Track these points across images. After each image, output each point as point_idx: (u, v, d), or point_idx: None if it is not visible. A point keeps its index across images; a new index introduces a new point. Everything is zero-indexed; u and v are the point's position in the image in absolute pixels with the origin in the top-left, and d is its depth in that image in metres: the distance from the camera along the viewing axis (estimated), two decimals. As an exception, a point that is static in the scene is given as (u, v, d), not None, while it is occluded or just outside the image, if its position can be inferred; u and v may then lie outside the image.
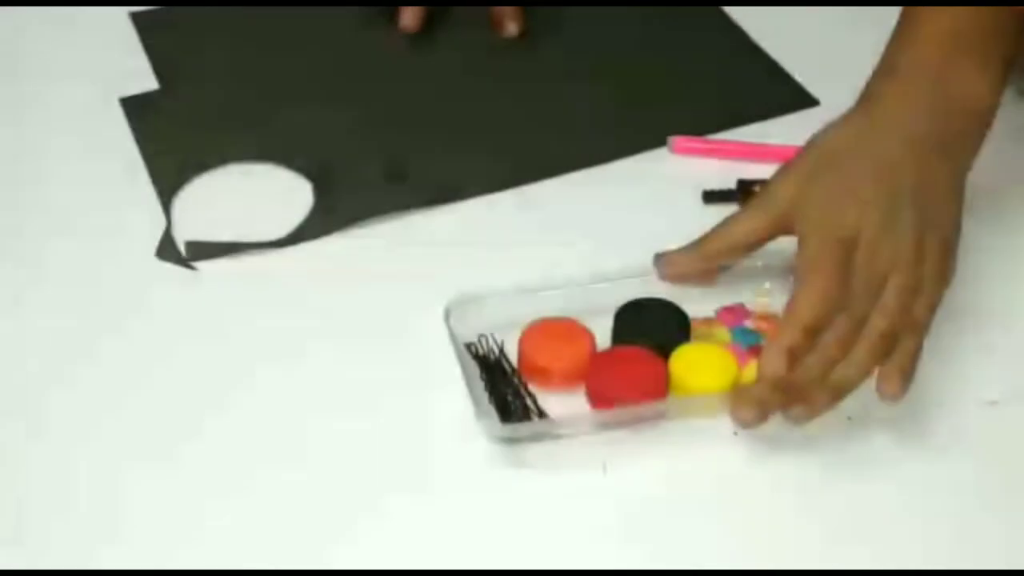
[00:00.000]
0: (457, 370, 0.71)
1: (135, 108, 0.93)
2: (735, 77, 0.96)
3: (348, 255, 0.82)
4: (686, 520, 0.67)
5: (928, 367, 0.74)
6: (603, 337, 0.74)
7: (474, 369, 0.74)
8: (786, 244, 0.77)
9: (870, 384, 0.71)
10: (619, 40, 1.00)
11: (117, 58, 0.98)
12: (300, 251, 0.82)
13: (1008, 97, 0.94)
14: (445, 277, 0.77)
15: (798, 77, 0.95)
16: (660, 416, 0.71)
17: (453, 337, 0.74)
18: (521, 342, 0.73)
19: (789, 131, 0.88)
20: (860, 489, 0.69)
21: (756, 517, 0.67)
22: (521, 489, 0.69)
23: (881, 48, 0.78)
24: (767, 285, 0.78)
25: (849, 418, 0.71)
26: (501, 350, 0.75)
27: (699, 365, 0.72)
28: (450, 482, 0.69)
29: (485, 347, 0.75)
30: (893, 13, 0.79)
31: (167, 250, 0.81)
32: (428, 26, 0.99)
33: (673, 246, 0.77)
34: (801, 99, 0.93)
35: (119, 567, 0.64)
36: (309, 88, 0.95)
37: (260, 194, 0.86)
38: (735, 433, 0.71)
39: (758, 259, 0.78)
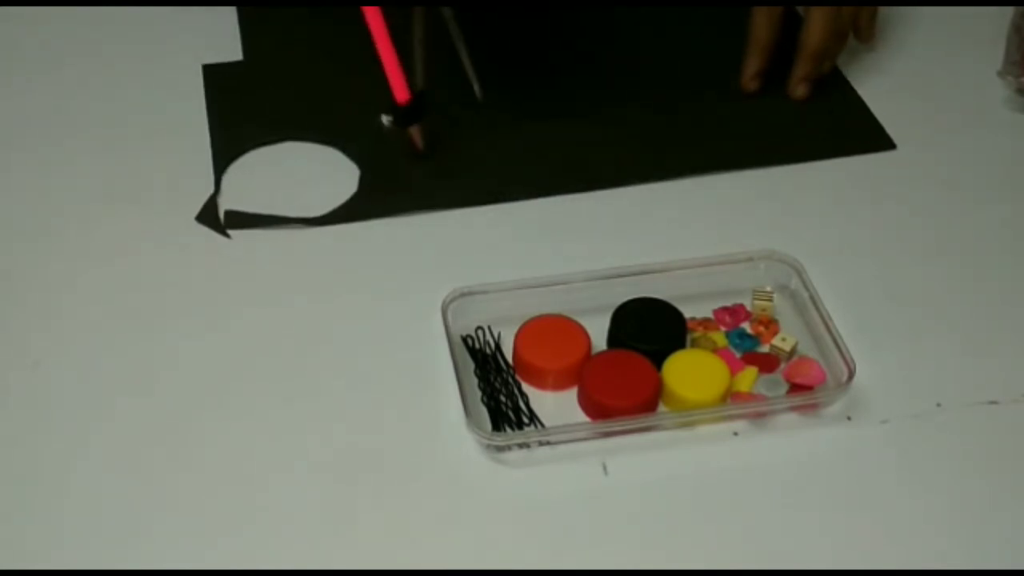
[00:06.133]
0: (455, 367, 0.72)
1: (214, 76, 0.97)
2: (818, 109, 0.95)
3: (357, 245, 0.83)
4: (686, 520, 0.67)
5: (927, 367, 0.75)
6: (599, 335, 0.74)
7: (468, 364, 0.74)
8: (784, 246, 0.78)
9: (868, 389, 0.72)
10: (697, 59, 0.99)
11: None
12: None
13: (1008, 96, 0.95)
14: (445, 272, 0.78)
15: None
16: (651, 428, 0.71)
17: (449, 332, 0.74)
18: (516, 340, 0.73)
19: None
20: (859, 489, 0.68)
21: (756, 517, 0.67)
22: (520, 488, 0.68)
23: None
24: (768, 288, 0.78)
25: (849, 418, 0.72)
26: (497, 344, 0.75)
27: (692, 375, 0.72)
28: (448, 480, 0.68)
29: (481, 340, 0.75)
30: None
31: (208, 215, 0.84)
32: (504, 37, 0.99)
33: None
34: (879, 141, 0.92)
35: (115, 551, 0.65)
36: (382, 84, 0.96)
37: (308, 174, 0.88)
38: (735, 433, 0.71)
39: (759, 261, 0.78)
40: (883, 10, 0.98)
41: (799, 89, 0.94)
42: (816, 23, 0.91)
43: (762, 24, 0.93)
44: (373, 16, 0.81)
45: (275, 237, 0.83)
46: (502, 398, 0.72)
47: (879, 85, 0.96)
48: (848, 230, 0.84)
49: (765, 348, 0.75)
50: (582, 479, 0.69)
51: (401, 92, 0.84)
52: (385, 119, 0.85)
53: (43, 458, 0.70)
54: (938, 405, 0.72)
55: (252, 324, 0.77)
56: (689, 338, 0.75)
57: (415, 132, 0.87)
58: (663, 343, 0.73)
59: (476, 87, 0.88)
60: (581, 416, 0.72)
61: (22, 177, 0.88)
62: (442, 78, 0.95)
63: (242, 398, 0.73)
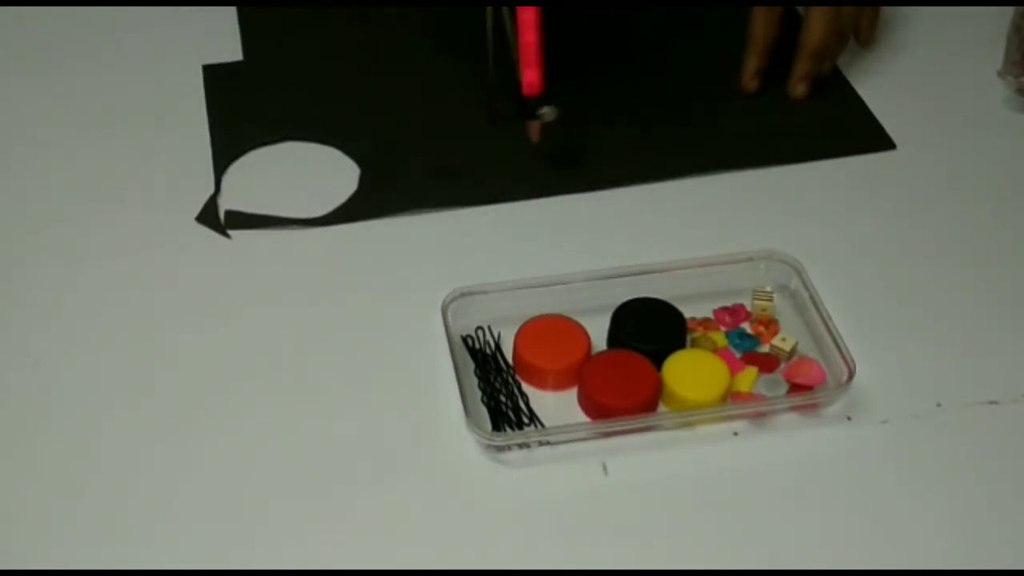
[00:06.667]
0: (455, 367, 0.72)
1: (215, 76, 0.97)
2: (818, 109, 0.94)
3: (357, 245, 0.83)
4: (686, 520, 0.67)
5: (927, 367, 0.75)
6: (599, 335, 0.74)
7: (468, 364, 0.74)
8: (784, 246, 0.78)
9: (868, 389, 0.72)
10: (697, 59, 1.00)
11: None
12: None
13: (1008, 96, 0.94)
14: (445, 272, 0.78)
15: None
16: (651, 428, 0.71)
17: (449, 332, 0.74)
18: (516, 340, 0.73)
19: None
20: (859, 489, 0.68)
21: (756, 517, 0.67)
22: (520, 488, 0.68)
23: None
24: (768, 288, 0.78)
25: (849, 418, 0.72)
26: (497, 344, 0.75)
27: (692, 375, 0.72)
28: (448, 480, 0.68)
29: (481, 340, 0.75)
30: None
31: (208, 215, 0.84)
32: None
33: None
34: (879, 142, 0.92)
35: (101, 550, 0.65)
36: (382, 84, 0.97)
37: (308, 174, 0.88)
38: (735, 433, 0.71)
39: (759, 261, 0.78)
40: (884, 11, 0.98)
41: (799, 88, 0.94)
42: (816, 22, 0.92)
43: (762, 23, 0.93)
44: (525, 11, 0.80)
45: (275, 237, 0.83)
46: (502, 398, 0.72)
47: (879, 85, 0.96)
48: (848, 230, 0.84)
49: (765, 348, 0.75)
50: (582, 479, 0.69)
51: (534, 86, 0.82)
52: (548, 110, 0.83)
53: (43, 458, 0.70)
54: (938, 405, 0.72)
55: (252, 324, 0.77)
56: (689, 338, 0.75)
57: (533, 125, 0.86)
58: (663, 343, 0.73)
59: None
60: (581, 416, 0.72)
61: (22, 177, 0.88)
62: (450, 77, 0.96)
63: (242, 398, 0.73)
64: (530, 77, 0.82)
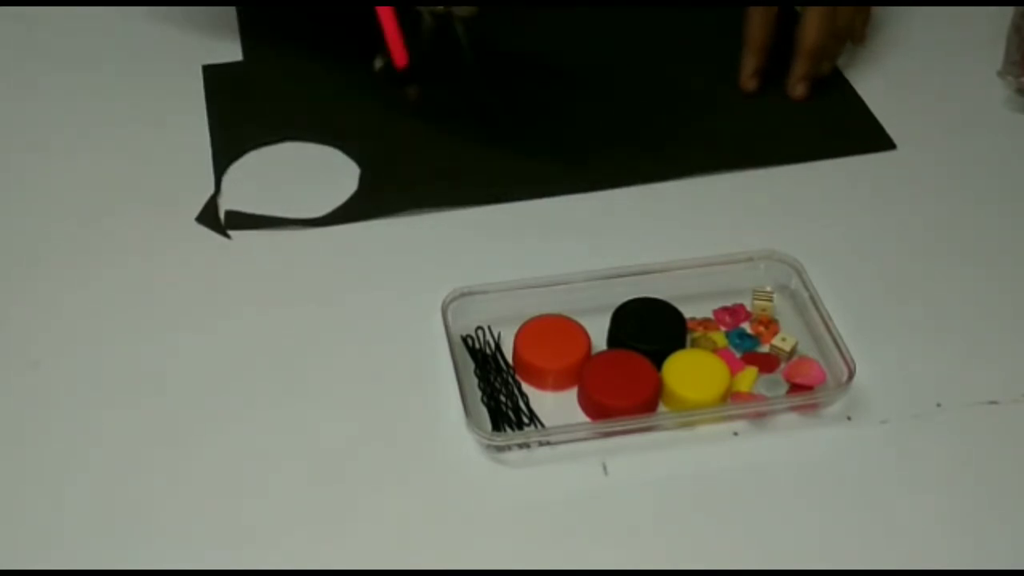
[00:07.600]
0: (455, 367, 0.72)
1: (214, 76, 0.97)
2: (818, 109, 0.95)
3: (357, 245, 0.83)
4: (686, 520, 0.67)
5: (927, 367, 0.75)
6: (599, 335, 0.74)
7: (468, 364, 0.74)
8: (784, 246, 0.78)
9: (868, 389, 0.72)
10: (697, 59, 0.99)
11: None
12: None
13: (1008, 96, 0.95)
14: (445, 272, 0.78)
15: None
16: (651, 428, 0.71)
17: (449, 332, 0.74)
18: (516, 340, 0.73)
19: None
20: (859, 489, 0.68)
21: (756, 517, 0.67)
22: (520, 488, 0.68)
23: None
24: (768, 288, 0.78)
25: (849, 418, 0.72)
26: (497, 344, 0.75)
27: (692, 375, 0.72)
28: (448, 480, 0.68)
29: (481, 340, 0.75)
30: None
31: (208, 215, 0.84)
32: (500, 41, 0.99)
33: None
34: (879, 142, 0.92)
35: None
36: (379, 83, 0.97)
37: (308, 174, 0.89)
38: (735, 433, 0.71)
39: (759, 261, 0.78)
40: (883, 10, 0.98)
41: (798, 88, 0.94)
42: (811, 22, 0.92)
43: (757, 23, 0.93)
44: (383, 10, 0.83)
45: (275, 237, 0.83)
46: (502, 398, 0.72)
47: (879, 85, 0.96)
48: (848, 230, 0.84)
49: (765, 348, 0.75)
50: (582, 479, 0.69)
51: (400, 58, 0.86)
52: (378, 62, 0.87)
53: (43, 458, 0.70)
54: (938, 405, 0.72)
55: (252, 324, 0.77)
56: (689, 338, 0.75)
57: (410, 90, 0.89)
58: (663, 343, 0.73)
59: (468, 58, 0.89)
60: (581, 416, 0.72)
61: (22, 177, 0.88)
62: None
63: (242, 398, 0.73)
64: (401, 54, 0.86)
